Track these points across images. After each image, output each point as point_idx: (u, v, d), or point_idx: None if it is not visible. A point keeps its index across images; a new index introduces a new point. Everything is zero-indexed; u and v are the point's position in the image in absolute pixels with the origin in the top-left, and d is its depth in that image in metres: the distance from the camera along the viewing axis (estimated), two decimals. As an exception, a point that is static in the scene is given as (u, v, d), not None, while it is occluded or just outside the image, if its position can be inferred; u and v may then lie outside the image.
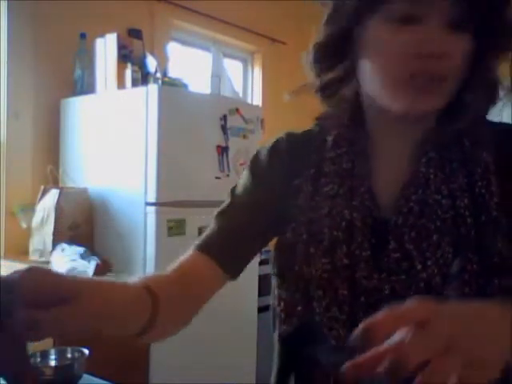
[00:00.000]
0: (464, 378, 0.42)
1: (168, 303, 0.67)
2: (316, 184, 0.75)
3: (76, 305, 0.48)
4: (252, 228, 0.80)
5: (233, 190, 0.83)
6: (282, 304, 0.72)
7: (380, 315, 0.44)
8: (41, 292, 0.45)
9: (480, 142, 0.71)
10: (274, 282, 0.78)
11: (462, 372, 0.42)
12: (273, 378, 0.80)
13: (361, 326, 0.43)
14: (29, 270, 0.46)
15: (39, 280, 0.46)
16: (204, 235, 0.80)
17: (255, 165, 0.84)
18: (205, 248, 0.78)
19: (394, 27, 0.66)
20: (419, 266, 0.66)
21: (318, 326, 0.69)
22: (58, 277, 0.49)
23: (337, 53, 0.73)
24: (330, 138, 0.77)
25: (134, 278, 0.68)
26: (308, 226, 0.72)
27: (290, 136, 0.84)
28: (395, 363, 0.41)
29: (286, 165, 0.80)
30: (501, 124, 0.76)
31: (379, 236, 0.69)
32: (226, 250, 0.79)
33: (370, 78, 0.70)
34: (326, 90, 0.77)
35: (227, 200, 0.83)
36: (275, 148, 0.83)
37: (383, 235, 0.69)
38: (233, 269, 0.80)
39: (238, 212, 0.81)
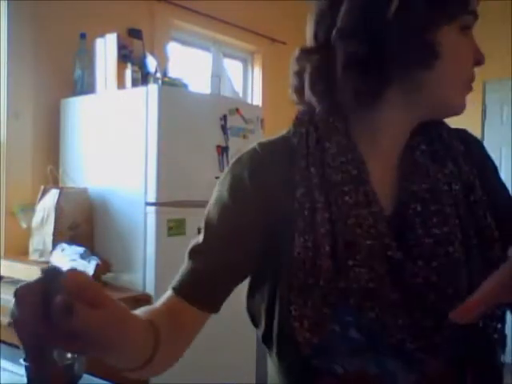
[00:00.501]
0: None
1: (164, 339, 0.67)
2: (327, 194, 0.72)
3: (104, 312, 0.48)
4: (231, 264, 0.76)
5: (207, 219, 0.78)
6: (306, 322, 0.68)
7: (480, 289, 0.50)
8: (81, 288, 0.46)
9: (451, 132, 0.80)
10: (271, 302, 0.75)
11: None
12: None
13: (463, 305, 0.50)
14: (74, 269, 0.47)
15: (82, 278, 0.47)
16: (179, 275, 0.78)
17: (235, 187, 0.78)
18: (180, 291, 0.76)
19: (461, 35, 0.73)
20: (451, 249, 0.70)
21: (339, 336, 0.69)
22: (96, 284, 0.50)
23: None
24: (330, 145, 0.75)
25: (136, 311, 0.68)
26: (331, 239, 0.70)
27: (265, 146, 0.80)
28: None
29: (272, 180, 0.76)
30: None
31: (397, 233, 0.72)
32: (202, 292, 0.76)
33: (443, 81, 0.75)
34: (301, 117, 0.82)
35: (201, 232, 0.78)
36: (255, 164, 0.78)
37: (402, 227, 0.72)
38: (211, 307, 0.78)
39: (213, 250, 0.76)
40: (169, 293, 0.78)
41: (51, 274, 0.46)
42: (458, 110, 0.76)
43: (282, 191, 0.75)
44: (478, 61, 0.75)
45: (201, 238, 0.78)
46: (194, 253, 0.77)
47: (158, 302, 0.77)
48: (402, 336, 0.68)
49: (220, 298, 0.78)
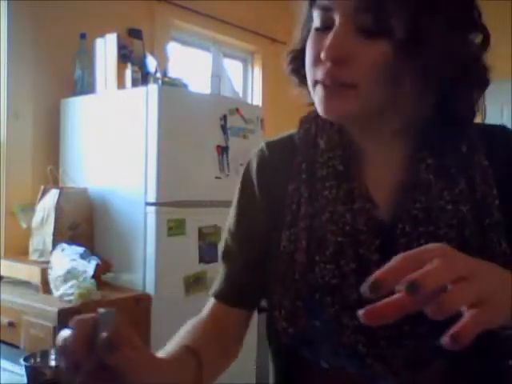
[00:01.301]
0: (475, 309, 0.45)
1: (208, 361, 0.71)
2: (312, 189, 0.73)
3: (140, 354, 0.56)
4: (252, 263, 0.80)
5: (228, 220, 0.83)
6: (283, 312, 0.71)
7: (391, 262, 0.47)
8: (125, 333, 0.55)
9: (475, 146, 0.71)
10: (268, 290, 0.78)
11: (474, 301, 0.45)
12: (271, 380, 0.81)
13: (371, 276, 0.46)
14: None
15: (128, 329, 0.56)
16: (217, 280, 0.83)
17: (246, 188, 0.82)
18: (221, 297, 0.81)
19: (314, 35, 0.68)
20: None
21: (319, 331, 0.69)
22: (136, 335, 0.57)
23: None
24: (321, 141, 0.76)
25: (176, 339, 0.75)
26: (308, 232, 0.71)
27: (271, 145, 0.82)
28: (413, 282, 0.43)
29: (275, 177, 0.79)
30: (485, 125, 0.77)
31: (384, 238, 0.69)
32: (237, 293, 0.81)
33: None
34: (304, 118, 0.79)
35: (226, 234, 0.83)
36: (261, 163, 0.81)
37: (387, 238, 0.68)
38: (254, 304, 0.83)
39: (234, 252, 0.81)
40: (211, 300, 0.83)
41: (105, 314, 0.55)
42: (322, 115, 0.69)
43: (283, 188, 0.76)
44: (318, 60, 0.66)
45: (225, 239, 0.83)
46: (223, 256, 0.83)
47: (204, 311, 0.82)
48: (356, 338, 0.66)
49: (255, 294, 0.81)
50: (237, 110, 2.51)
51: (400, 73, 0.63)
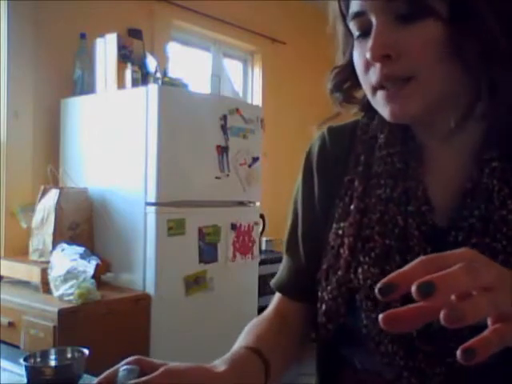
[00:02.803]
0: (499, 324, 0.41)
1: (276, 362, 0.69)
2: (366, 184, 0.70)
3: None
4: (309, 254, 0.78)
5: (291, 209, 0.82)
6: (324, 306, 0.69)
7: (409, 264, 0.42)
8: None
9: None
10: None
11: (495, 314, 0.41)
12: (316, 378, 0.80)
13: (387, 277, 0.42)
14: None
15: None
16: (279, 272, 0.82)
17: (307, 176, 0.80)
18: (285, 291, 0.80)
19: (357, 43, 0.65)
20: None
21: (357, 333, 0.66)
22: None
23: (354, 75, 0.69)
24: (381, 136, 0.72)
25: (242, 340, 0.72)
26: (357, 230, 0.68)
27: (333, 131, 0.79)
28: (426, 283, 0.39)
29: (334, 165, 0.76)
30: None
31: (435, 246, 0.63)
32: (296, 285, 0.79)
33: None
34: (366, 106, 0.74)
35: (289, 221, 0.81)
36: (322, 150, 0.78)
37: (440, 245, 0.62)
38: (308, 297, 0.78)
39: (293, 243, 0.80)
40: (277, 296, 0.81)
41: (127, 370, 0.57)
42: (389, 121, 0.65)
43: (341, 174, 0.74)
44: (368, 64, 0.64)
45: (288, 232, 0.82)
46: (285, 247, 0.82)
47: (268, 310, 0.81)
48: (394, 349, 0.63)
49: (313, 287, 0.78)
50: (237, 110, 2.51)
51: (455, 52, 0.59)
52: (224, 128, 2.44)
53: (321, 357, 0.78)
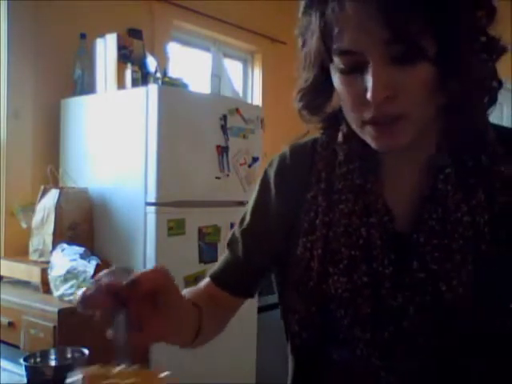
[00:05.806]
0: None
1: (206, 315, 0.75)
2: (329, 200, 0.74)
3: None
4: (259, 257, 0.82)
5: (244, 212, 0.86)
6: (297, 316, 0.72)
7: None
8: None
9: (495, 153, 0.69)
10: (280, 292, 0.81)
11: None
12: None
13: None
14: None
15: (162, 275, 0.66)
16: (217, 264, 0.87)
17: (264, 187, 0.84)
18: (216, 280, 0.85)
19: (342, 78, 0.66)
20: (444, 287, 0.65)
21: (332, 340, 0.70)
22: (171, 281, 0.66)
23: (323, 92, 0.72)
24: (341, 153, 0.75)
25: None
26: (324, 243, 0.72)
27: (294, 149, 0.83)
28: None
29: (294, 182, 0.79)
30: (505, 129, 0.75)
31: (398, 252, 0.68)
32: (231, 279, 0.84)
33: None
34: (326, 123, 0.78)
35: (237, 227, 0.86)
36: (281, 167, 0.82)
37: (402, 251, 0.68)
38: (245, 293, 0.85)
39: (244, 244, 0.83)
40: (207, 279, 0.86)
41: (122, 269, 0.63)
42: (375, 148, 0.68)
43: (301, 193, 0.77)
44: (363, 104, 0.64)
45: (236, 229, 0.86)
46: (228, 243, 0.86)
47: (199, 285, 0.87)
48: (369, 351, 0.67)
49: (248, 285, 0.85)
50: (237, 110, 2.51)
51: (443, 86, 0.63)
52: (224, 128, 2.44)
53: (295, 358, 0.81)
